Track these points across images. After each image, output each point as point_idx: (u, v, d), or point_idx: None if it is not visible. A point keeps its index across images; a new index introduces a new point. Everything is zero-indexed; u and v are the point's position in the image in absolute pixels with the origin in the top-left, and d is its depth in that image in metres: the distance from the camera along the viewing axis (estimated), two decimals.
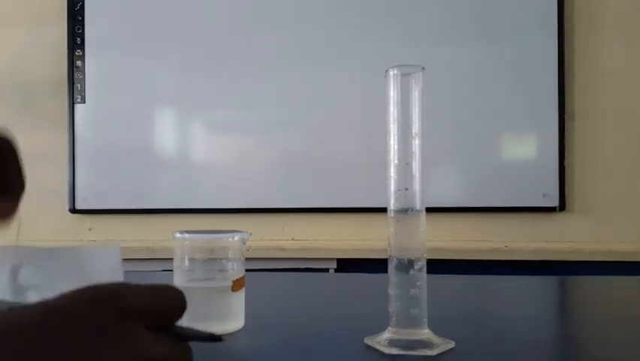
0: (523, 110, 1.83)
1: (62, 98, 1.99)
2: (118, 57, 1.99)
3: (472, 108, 1.85)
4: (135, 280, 0.32)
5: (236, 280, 0.55)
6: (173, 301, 0.32)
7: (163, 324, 0.31)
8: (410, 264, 0.49)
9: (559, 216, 1.82)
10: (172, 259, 0.56)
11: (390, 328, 0.50)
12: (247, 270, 0.58)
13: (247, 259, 0.58)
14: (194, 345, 0.32)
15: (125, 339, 0.28)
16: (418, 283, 0.49)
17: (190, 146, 2.00)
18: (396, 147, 0.50)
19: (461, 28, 1.86)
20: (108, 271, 0.41)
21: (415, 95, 0.50)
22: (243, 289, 0.56)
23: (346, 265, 1.77)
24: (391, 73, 0.50)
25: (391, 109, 0.50)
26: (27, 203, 1.60)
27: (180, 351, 0.31)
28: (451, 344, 0.49)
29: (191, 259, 0.56)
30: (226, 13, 1.95)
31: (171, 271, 0.57)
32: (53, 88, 2.01)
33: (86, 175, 1.99)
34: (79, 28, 1.99)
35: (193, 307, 0.54)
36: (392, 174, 0.50)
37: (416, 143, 0.49)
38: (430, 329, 0.49)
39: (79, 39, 1.99)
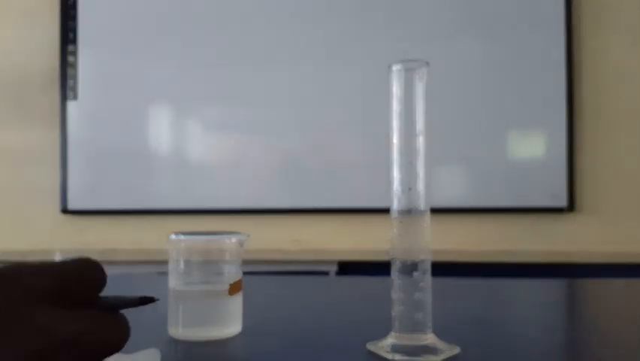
0: (531, 108, 1.81)
1: (54, 95, 1.98)
2: (111, 53, 1.98)
3: (479, 106, 1.83)
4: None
5: (234, 283, 0.54)
6: (87, 273, 0.32)
7: (80, 299, 0.31)
8: (414, 266, 0.48)
9: (567, 217, 1.80)
10: (167, 261, 0.56)
11: (393, 333, 0.49)
12: (245, 273, 0.57)
13: (245, 261, 0.57)
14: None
15: (25, 322, 0.27)
16: (422, 287, 0.48)
17: (186, 145, 1.99)
18: (399, 145, 0.49)
19: (468, 24, 1.84)
20: None
21: (419, 91, 0.49)
22: (241, 293, 0.56)
23: (348, 267, 1.76)
24: (395, 69, 0.49)
25: (395, 106, 0.49)
26: (17, 203, 1.60)
27: (107, 321, 0.30)
28: (457, 350, 0.48)
29: (187, 262, 0.55)
30: (223, 9, 1.94)
31: (166, 274, 0.56)
32: (45, 84, 2.00)
33: (79, 174, 1.97)
34: (72, 23, 1.98)
35: (189, 311, 0.54)
36: (395, 174, 0.49)
37: (420, 141, 0.48)
38: (435, 334, 0.48)
39: (71, 34, 1.98)
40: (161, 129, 1.99)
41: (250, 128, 1.94)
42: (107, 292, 0.42)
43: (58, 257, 0.44)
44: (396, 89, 0.49)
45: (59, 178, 1.96)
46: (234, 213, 1.88)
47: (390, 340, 0.48)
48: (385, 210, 0.50)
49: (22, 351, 0.26)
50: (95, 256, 1.23)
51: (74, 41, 1.98)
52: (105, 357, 0.30)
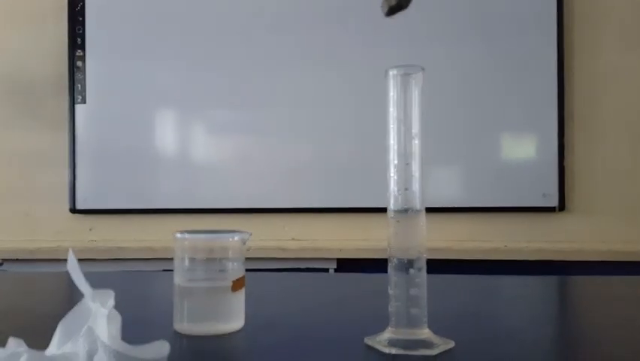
0: (523, 110, 1.83)
1: (63, 99, 1.99)
2: (119, 57, 1.99)
3: (472, 108, 1.85)
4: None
5: (236, 280, 0.55)
6: None
7: None
8: (410, 264, 0.49)
9: (558, 216, 1.82)
10: (172, 259, 0.56)
11: (390, 328, 0.50)
12: (247, 270, 0.57)
13: (247, 259, 0.57)
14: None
15: None
16: (417, 283, 0.49)
17: (190, 146, 2.00)
18: (395, 147, 0.49)
19: (461, 28, 1.86)
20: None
21: (415, 95, 0.49)
22: (243, 290, 0.56)
23: (346, 265, 1.76)
24: (391, 73, 0.50)
25: (391, 109, 0.50)
26: (27, 203, 1.62)
27: None
28: (451, 344, 0.49)
29: (191, 259, 0.55)
30: (227, 14, 1.95)
31: (172, 271, 0.56)
32: (54, 88, 2.01)
33: (87, 175, 1.98)
34: (79, 29, 1.99)
35: (193, 306, 0.55)
36: (392, 175, 0.50)
37: (416, 143, 0.49)
38: (430, 328, 0.49)
39: (79, 39, 1.99)
40: (166, 131, 2.00)
41: (252, 130, 1.95)
42: (115, 290, 0.44)
43: (70, 255, 0.44)
44: (392, 93, 0.50)
45: (68, 179, 1.97)
46: (237, 213, 1.89)
47: (387, 334, 0.49)
48: (383, 210, 0.50)
49: None
50: (102, 254, 1.26)
51: (82, 46, 1.98)
52: None
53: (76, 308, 0.42)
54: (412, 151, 0.49)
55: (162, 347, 0.43)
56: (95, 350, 0.39)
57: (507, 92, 1.84)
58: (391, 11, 0.59)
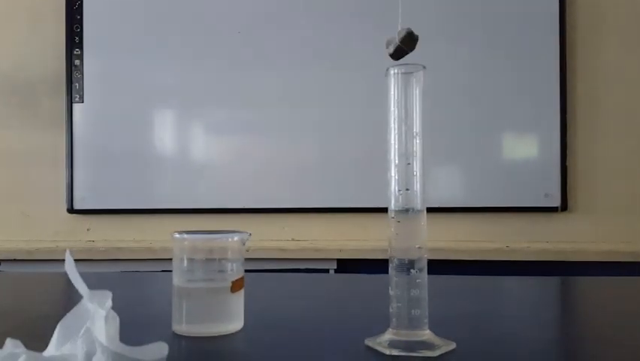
0: (525, 109, 1.83)
1: (61, 98, 1.99)
2: (117, 56, 1.98)
3: (474, 108, 1.85)
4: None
5: (236, 280, 0.55)
6: None
7: None
8: (411, 264, 0.48)
9: (560, 217, 1.81)
10: (171, 259, 0.56)
11: (390, 329, 0.49)
12: (246, 270, 0.57)
13: (247, 259, 0.57)
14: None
15: None
16: (418, 284, 0.48)
17: (189, 145, 2.00)
18: (397, 146, 0.49)
19: (463, 27, 1.86)
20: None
21: (416, 94, 0.49)
22: (243, 290, 0.56)
23: (346, 265, 1.76)
24: (392, 72, 0.50)
25: (392, 108, 0.50)
26: (25, 203, 1.62)
27: None
28: (452, 345, 0.49)
29: (190, 260, 0.55)
30: (226, 13, 1.95)
31: (170, 271, 0.56)
32: (52, 87, 2.01)
33: (85, 175, 1.98)
34: (77, 27, 1.98)
35: (192, 307, 0.54)
36: (393, 174, 0.49)
37: (417, 142, 0.49)
38: (431, 330, 0.49)
39: (77, 38, 1.98)
40: (165, 131, 2.00)
41: (251, 129, 1.95)
42: (113, 291, 0.43)
43: (68, 256, 0.44)
44: (393, 91, 0.49)
45: (66, 179, 1.97)
46: (236, 213, 1.90)
47: (387, 336, 0.49)
48: (383, 210, 0.50)
49: None
50: (100, 255, 1.26)
51: (80, 45, 1.98)
52: None
53: (75, 309, 0.41)
54: (413, 150, 0.49)
55: (161, 349, 0.43)
56: (94, 352, 0.39)
57: (509, 91, 1.84)
58: (397, 53, 0.58)
